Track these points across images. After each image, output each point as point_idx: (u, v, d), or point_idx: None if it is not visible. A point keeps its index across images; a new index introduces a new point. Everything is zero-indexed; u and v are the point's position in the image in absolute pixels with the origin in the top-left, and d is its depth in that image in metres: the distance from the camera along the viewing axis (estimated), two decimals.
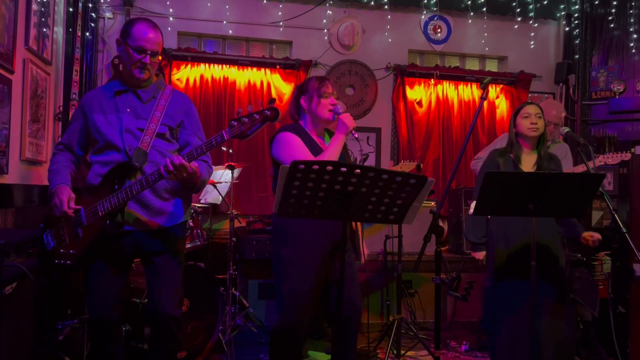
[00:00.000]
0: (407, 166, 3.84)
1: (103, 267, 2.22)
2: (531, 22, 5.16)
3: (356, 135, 2.41)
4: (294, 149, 2.41)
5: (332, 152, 2.38)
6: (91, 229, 2.15)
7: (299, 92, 2.56)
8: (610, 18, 4.86)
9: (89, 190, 2.20)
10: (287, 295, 2.42)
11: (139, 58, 2.17)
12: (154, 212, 2.23)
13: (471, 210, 2.63)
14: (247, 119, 1.98)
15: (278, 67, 4.87)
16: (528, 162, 2.82)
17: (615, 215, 2.50)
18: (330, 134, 2.65)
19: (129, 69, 2.21)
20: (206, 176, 2.28)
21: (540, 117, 2.79)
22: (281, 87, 4.88)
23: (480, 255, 2.93)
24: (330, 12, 4.92)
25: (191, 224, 3.45)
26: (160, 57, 2.26)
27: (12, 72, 3.03)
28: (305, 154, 2.38)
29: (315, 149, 2.46)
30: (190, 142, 2.31)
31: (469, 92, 5.25)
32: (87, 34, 4.14)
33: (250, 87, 4.84)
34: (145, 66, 2.19)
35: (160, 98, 2.27)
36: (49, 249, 2.21)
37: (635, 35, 4.71)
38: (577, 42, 5.06)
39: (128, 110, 2.22)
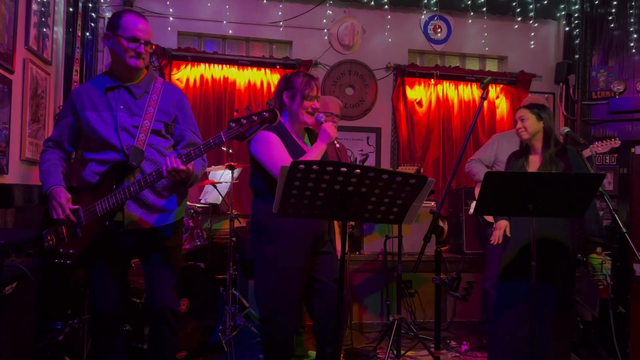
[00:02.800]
0: (407, 170, 3.84)
1: (104, 264, 2.25)
2: (531, 22, 5.16)
3: (337, 145, 2.39)
4: (273, 149, 2.35)
5: (311, 159, 2.34)
6: (90, 228, 2.15)
7: (284, 85, 2.46)
8: (610, 18, 4.85)
9: (86, 189, 2.20)
10: (273, 292, 2.40)
11: (134, 47, 2.15)
12: (152, 210, 2.24)
13: (471, 210, 2.63)
14: (245, 121, 1.98)
15: (278, 67, 4.86)
16: (534, 163, 2.88)
17: (615, 215, 2.49)
18: (310, 132, 2.62)
19: (124, 59, 2.18)
20: (200, 172, 2.28)
21: (524, 119, 2.85)
22: None
23: (502, 224, 2.93)
24: (330, 12, 4.92)
25: (191, 223, 3.45)
26: (154, 46, 2.27)
27: (12, 72, 3.03)
28: (284, 156, 2.33)
29: (296, 150, 2.41)
30: (185, 136, 2.31)
31: (469, 92, 5.25)
32: (87, 34, 4.14)
33: (250, 87, 4.83)
34: (140, 55, 2.17)
35: (152, 92, 2.24)
36: (47, 247, 2.21)
37: (635, 35, 4.71)
38: (577, 42, 5.05)
39: (121, 107, 2.20)
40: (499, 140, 3.87)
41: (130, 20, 2.15)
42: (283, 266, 2.38)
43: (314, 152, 2.35)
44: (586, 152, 2.90)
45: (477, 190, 4.04)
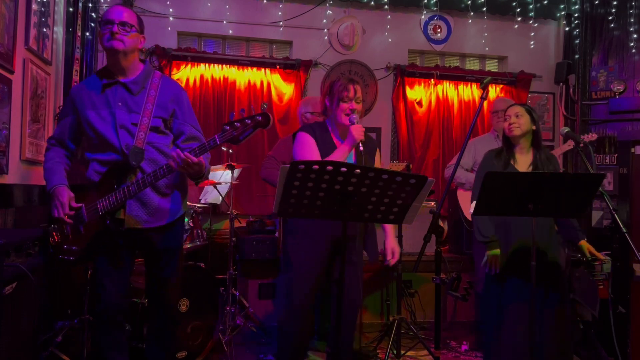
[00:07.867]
0: (396, 167, 3.84)
1: (109, 259, 2.27)
2: (531, 22, 5.16)
3: (362, 149, 2.42)
4: (304, 149, 2.47)
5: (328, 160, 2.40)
6: (92, 226, 2.20)
7: (327, 90, 2.59)
8: (610, 18, 4.85)
9: (88, 187, 2.23)
10: (291, 282, 2.50)
11: (107, 29, 2.16)
12: (154, 210, 2.26)
13: (471, 210, 2.63)
14: (239, 124, 2.01)
15: (278, 67, 4.86)
16: (523, 162, 2.83)
17: (615, 215, 2.49)
18: None
19: (103, 43, 2.19)
20: (209, 165, 2.30)
21: (519, 115, 2.81)
22: (281, 87, 4.88)
23: (493, 259, 2.77)
24: (330, 12, 4.92)
25: (191, 224, 3.45)
26: (144, 41, 2.26)
27: (12, 72, 3.02)
28: (312, 155, 2.42)
29: (328, 152, 2.48)
30: (184, 131, 2.32)
31: (469, 92, 5.25)
32: (87, 34, 4.14)
33: (250, 87, 4.83)
34: (113, 35, 2.15)
35: (150, 88, 2.25)
36: (52, 243, 2.26)
37: (635, 35, 4.71)
38: (577, 42, 5.05)
39: (120, 104, 2.21)
40: (475, 146, 3.92)
41: (108, 10, 2.20)
42: (299, 260, 2.49)
43: (337, 154, 2.42)
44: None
45: (461, 194, 4.06)
